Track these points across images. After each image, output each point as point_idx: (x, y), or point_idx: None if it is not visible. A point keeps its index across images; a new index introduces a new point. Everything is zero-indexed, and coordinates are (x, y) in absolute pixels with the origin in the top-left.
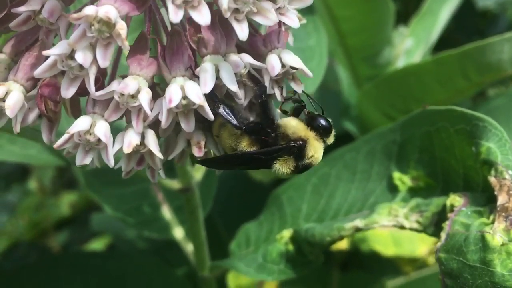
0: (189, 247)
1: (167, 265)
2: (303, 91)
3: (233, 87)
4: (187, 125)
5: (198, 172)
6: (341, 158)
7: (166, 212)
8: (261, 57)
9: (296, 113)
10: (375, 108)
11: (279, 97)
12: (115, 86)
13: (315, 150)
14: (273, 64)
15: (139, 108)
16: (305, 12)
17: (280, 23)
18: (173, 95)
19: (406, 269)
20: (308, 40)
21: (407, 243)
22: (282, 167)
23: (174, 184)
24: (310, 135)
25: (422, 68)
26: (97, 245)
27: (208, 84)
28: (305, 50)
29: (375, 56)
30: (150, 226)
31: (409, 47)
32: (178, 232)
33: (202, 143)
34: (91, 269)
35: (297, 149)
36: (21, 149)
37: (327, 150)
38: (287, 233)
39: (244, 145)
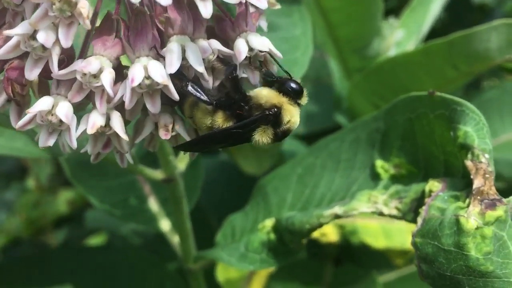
0: (175, 239)
1: (160, 260)
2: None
3: (199, 68)
4: (153, 106)
5: (181, 162)
6: (326, 148)
7: (153, 204)
8: (231, 42)
9: (266, 83)
10: (365, 100)
11: (252, 81)
12: (77, 65)
13: (291, 114)
14: (240, 49)
15: (102, 89)
16: (291, 2)
17: (247, 5)
18: (135, 74)
19: (397, 262)
20: (294, 30)
21: (398, 235)
22: (261, 137)
23: (157, 174)
24: (283, 100)
25: (410, 58)
26: (95, 241)
27: (174, 64)
28: (290, 40)
29: (364, 48)
30: (137, 218)
31: (400, 38)
32: (165, 224)
33: (170, 126)
34: (85, 264)
35: (273, 117)
36: (6, 142)
37: (314, 140)
38: (269, 222)
39: (220, 122)
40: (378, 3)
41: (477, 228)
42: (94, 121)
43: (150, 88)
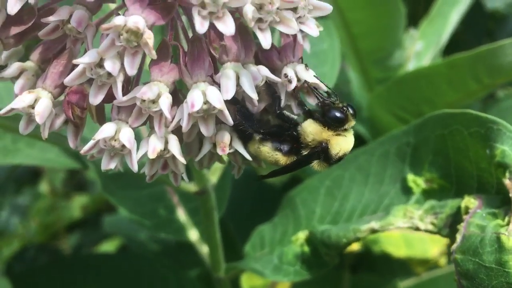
0: (204, 249)
1: (180, 267)
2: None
3: (253, 94)
4: (207, 130)
5: (214, 175)
6: (354, 161)
7: (181, 214)
8: (276, 71)
9: (309, 115)
10: (386, 111)
11: (295, 110)
12: (137, 91)
13: (340, 145)
14: (291, 78)
15: (161, 113)
16: (318, 16)
17: (295, 36)
18: (195, 99)
19: (418, 270)
20: (322, 44)
21: (419, 244)
22: (318, 166)
23: (191, 187)
24: (328, 134)
25: (433, 70)
26: (108, 247)
27: (230, 90)
28: (318, 54)
29: (385, 59)
30: (165, 228)
31: (420, 49)
32: (193, 234)
33: (227, 142)
34: (104, 271)
35: (322, 153)
36: (39, 153)
37: None
38: (302, 235)
39: (282, 161)
40: (400, 16)
41: None
42: (155, 145)
43: (206, 113)
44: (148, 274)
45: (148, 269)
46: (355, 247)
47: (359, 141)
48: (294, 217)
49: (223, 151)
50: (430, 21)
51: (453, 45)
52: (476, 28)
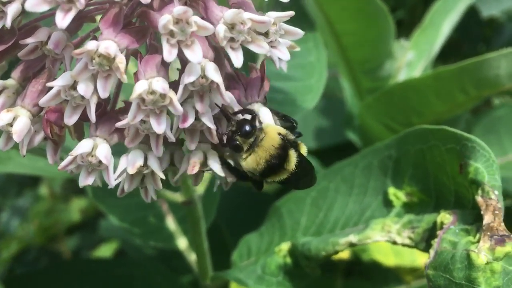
0: (192, 257)
1: (174, 273)
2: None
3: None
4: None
5: (200, 186)
6: (339, 172)
7: (171, 222)
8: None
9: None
10: (376, 120)
11: None
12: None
13: (254, 162)
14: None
15: (157, 134)
16: (306, 28)
17: (263, 74)
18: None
19: (407, 279)
20: (309, 57)
21: (407, 254)
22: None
23: (177, 197)
24: (243, 160)
25: (421, 82)
26: (106, 250)
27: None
28: (305, 66)
29: (376, 69)
30: (155, 236)
31: (411, 59)
32: (182, 242)
33: (198, 162)
34: (100, 276)
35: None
36: (30, 162)
37: (325, 155)
38: (285, 246)
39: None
40: (390, 27)
41: (487, 263)
42: (135, 161)
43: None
44: (141, 279)
45: (141, 274)
46: (345, 255)
47: (352, 148)
48: (280, 227)
49: (192, 170)
50: (422, 31)
51: (449, 53)
52: (472, 35)
